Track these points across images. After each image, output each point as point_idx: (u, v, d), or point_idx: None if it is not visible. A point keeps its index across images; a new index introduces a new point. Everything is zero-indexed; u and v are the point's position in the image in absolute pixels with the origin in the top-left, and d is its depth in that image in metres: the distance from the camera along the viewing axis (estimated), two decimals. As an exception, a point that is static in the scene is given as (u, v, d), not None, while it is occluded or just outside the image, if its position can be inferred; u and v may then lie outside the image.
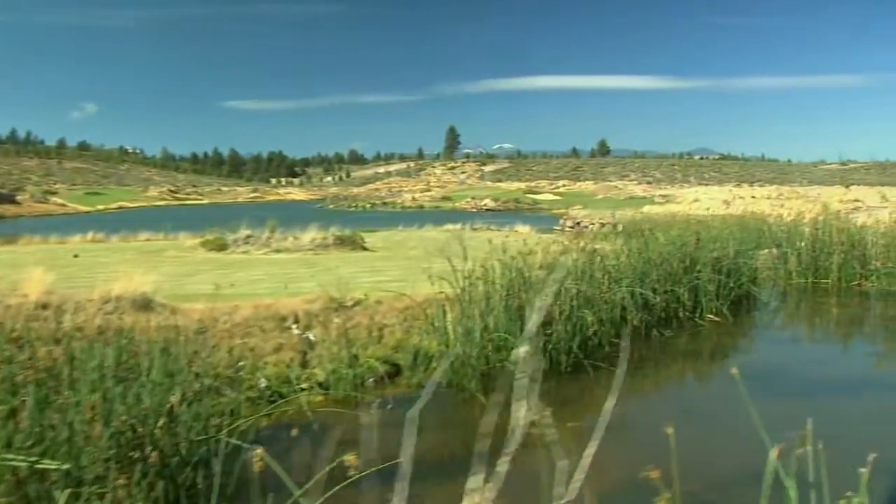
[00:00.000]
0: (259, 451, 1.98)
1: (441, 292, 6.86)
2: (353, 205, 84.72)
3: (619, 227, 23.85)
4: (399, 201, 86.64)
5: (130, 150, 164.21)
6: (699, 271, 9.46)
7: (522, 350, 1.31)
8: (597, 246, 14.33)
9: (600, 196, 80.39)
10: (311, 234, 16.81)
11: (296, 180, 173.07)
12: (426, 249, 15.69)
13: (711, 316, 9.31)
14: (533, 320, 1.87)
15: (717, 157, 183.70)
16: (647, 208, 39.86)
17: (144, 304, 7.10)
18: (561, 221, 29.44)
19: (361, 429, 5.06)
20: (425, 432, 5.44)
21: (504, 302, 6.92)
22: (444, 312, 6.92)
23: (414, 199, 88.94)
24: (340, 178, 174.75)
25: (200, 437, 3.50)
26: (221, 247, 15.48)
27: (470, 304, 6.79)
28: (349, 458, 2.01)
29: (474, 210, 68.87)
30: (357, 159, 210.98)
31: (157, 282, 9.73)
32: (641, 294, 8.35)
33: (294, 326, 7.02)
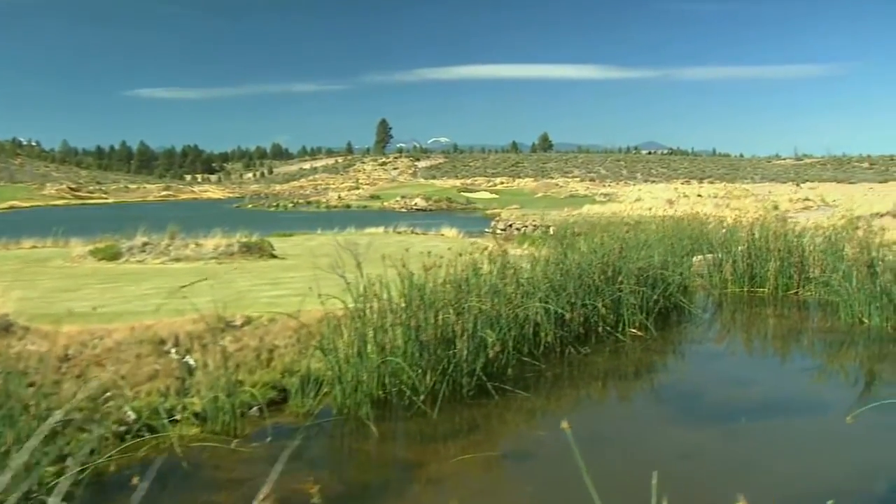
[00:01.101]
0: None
1: (328, 312, 6.81)
2: (274, 204, 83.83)
3: (551, 231, 24.18)
4: (324, 200, 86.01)
5: (25, 143, 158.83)
6: (621, 282, 9.62)
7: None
8: (520, 251, 14.47)
9: (540, 194, 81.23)
10: (214, 241, 16.57)
11: (213, 177, 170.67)
12: (340, 257, 15.57)
13: (634, 330, 9.48)
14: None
15: (665, 151, 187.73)
16: (586, 208, 40.45)
17: (3, 328, 6.87)
18: (492, 223, 29.66)
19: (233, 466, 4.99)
20: (302, 469, 5.39)
21: (402, 322, 6.91)
22: (339, 332, 6.87)
23: (340, 197, 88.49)
24: (262, 175, 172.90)
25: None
26: (114, 256, 15.12)
27: (364, 324, 6.76)
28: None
29: (404, 210, 68.97)
30: (280, 154, 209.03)
31: (29, 299, 9.46)
32: (555, 309, 8.45)
33: (173, 350, 6.89)
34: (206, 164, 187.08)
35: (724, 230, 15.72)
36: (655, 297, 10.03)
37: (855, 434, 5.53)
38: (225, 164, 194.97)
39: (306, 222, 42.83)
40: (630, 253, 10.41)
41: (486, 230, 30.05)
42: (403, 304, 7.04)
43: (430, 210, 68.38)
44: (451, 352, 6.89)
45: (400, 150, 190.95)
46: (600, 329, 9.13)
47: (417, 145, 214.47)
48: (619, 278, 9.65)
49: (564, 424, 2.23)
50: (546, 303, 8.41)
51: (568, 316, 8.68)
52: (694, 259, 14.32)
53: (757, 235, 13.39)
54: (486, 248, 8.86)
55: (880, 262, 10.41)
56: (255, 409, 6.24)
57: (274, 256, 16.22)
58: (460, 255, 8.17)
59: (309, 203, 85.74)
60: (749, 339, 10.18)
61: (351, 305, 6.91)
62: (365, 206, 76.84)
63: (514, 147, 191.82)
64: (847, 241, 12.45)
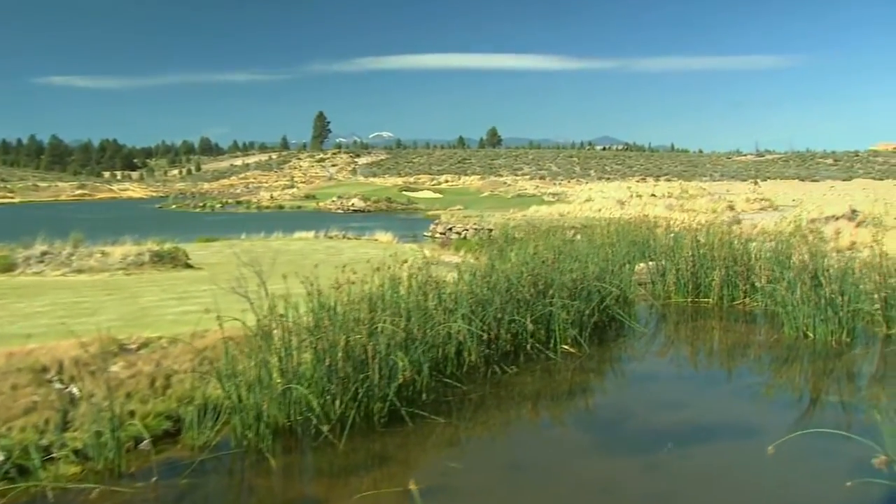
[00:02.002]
0: None
1: (229, 334, 6.70)
2: (201, 204, 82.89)
3: (493, 234, 24.27)
4: (255, 200, 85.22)
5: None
6: (553, 296, 9.66)
7: None
8: (456, 258, 14.46)
9: (486, 193, 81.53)
10: (123, 249, 16.27)
11: (134, 174, 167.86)
12: (254, 268, 15.33)
13: (567, 347, 9.53)
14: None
15: (621, 147, 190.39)
16: (532, 209, 40.65)
17: None
18: (431, 227, 29.67)
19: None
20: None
21: (310, 344, 6.84)
22: (242, 355, 6.77)
23: (272, 197, 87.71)
24: (189, 172, 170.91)
25: None
26: (7, 267, 14.73)
27: (267, 347, 6.68)
28: None
29: (340, 211, 68.62)
30: (209, 149, 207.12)
31: None
32: (479, 326, 8.45)
33: (56, 379, 6.71)
34: (126, 159, 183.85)
35: (671, 235, 15.81)
36: (589, 310, 10.09)
37: (772, 467, 5.61)
38: (148, 160, 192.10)
39: (233, 225, 42.43)
40: (564, 264, 10.48)
41: (425, 234, 30.04)
42: (313, 324, 6.99)
43: (369, 211, 68.18)
44: (363, 376, 6.85)
45: (339, 146, 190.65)
46: (529, 346, 9.15)
47: (358, 140, 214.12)
48: (551, 291, 9.70)
49: (412, 485, 2.21)
50: (470, 320, 8.41)
51: (493, 333, 8.72)
52: (637, 267, 14.48)
53: (702, 241, 13.57)
54: (405, 261, 8.77)
55: (826, 272, 10.56)
56: (145, 442, 6.10)
57: (189, 266, 15.98)
58: (377, 269, 8.14)
59: (239, 203, 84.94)
60: (687, 355, 10.26)
61: (254, 326, 6.83)
62: (299, 207, 76.30)
63: (461, 142, 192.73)
64: (795, 248, 12.59)
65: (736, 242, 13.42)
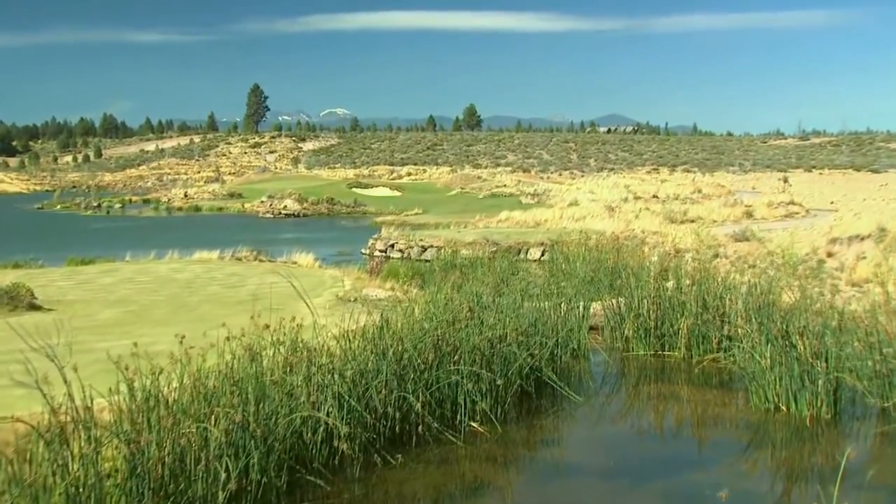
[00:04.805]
0: None
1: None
2: (95, 204, 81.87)
3: (443, 253, 24.37)
4: (166, 199, 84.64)
5: None
6: (458, 361, 9.64)
7: None
8: (382, 292, 14.51)
9: (455, 190, 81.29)
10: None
11: (12, 160, 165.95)
12: (134, 307, 15.11)
13: (475, 425, 9.53)
14: None
15: (630, 128, 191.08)
16: (503, 215, 40.70)
17: None
18: (370, 242, 29.69)
19: None
20: None
21: (116, 445, 6.84)
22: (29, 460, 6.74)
23: (187, 196, 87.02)
24: (87, 159, 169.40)
25: None
26: None
27: (59, 449, 6.65)
28: None
29: (270, 215, 68.13)
30: (115, 130, 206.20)
31: None
32: (356, 405, 8.47)
33: None
34: (3, 142, 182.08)
35: (650, 263, 15.69)
36: (504, 380, 10.01)
37: None
38: (32, 143, 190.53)
39: (128, 235, 42.19)
40: (482, 317, 10.52)
41: (363, 251, 30.04)
42: (123, 418, 6.97)
43: (306, 215, 67.90)
44: (184, 485, 6.85)
45: (279, 128, 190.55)
46: (420, 428, 9.08)
47: (306, 119, 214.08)
48: (455, 357, 9.71)
49: None
50: (343, 399, 8.40)
51: (377, 413, 8.73)
52: (593, 306, 14.50)
53: (671, 279, 13.53)
54: (267, 326, 8.72)
55: (802, 327, 10.25)
56: None
57: (35, 308, 15.84)
58: (227, 338, 8.14)
59: (146, 202, 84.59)
60: (627, 438, 10.10)
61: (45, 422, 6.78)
62: (220, 209, 75.72)
63: (432, 123, 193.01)
64: (785, 288, 12.44)
65: (710, 281, 13.27)
